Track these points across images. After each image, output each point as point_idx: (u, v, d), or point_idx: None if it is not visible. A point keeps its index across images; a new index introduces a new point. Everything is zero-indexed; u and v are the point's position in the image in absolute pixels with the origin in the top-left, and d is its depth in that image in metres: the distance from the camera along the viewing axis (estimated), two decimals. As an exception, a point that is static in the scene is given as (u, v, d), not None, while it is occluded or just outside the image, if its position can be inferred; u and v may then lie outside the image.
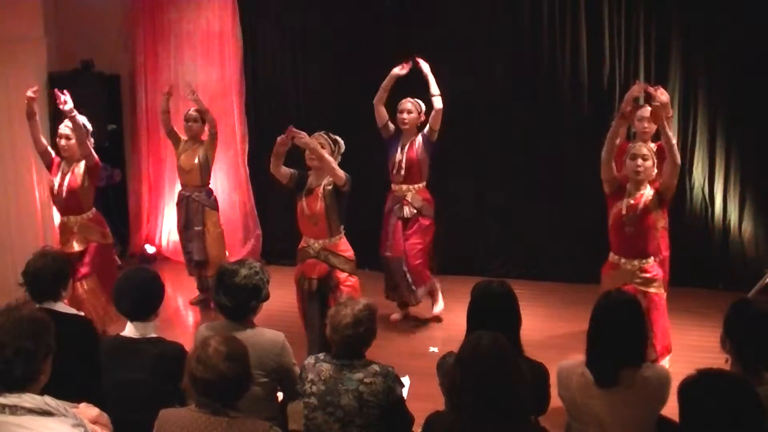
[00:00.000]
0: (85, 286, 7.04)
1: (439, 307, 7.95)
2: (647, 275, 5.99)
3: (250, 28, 9.64)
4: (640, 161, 5.89)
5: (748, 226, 8.52)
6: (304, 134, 6.17)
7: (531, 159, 9.02)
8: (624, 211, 5.94)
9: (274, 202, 9.76)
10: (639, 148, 5.96)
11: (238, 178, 9.82)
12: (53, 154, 7.18)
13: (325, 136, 6.43)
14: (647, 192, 5.94)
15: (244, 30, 9.59)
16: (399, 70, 7.51)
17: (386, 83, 7.55)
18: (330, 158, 6.24)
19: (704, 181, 8.59)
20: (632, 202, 5.93)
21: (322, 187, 6.36)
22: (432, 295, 7.96)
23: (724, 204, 8.57)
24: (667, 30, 8.49)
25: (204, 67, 9.77)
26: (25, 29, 8.83)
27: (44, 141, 7.19)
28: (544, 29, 8.81)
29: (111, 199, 9.83)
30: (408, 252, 7.61)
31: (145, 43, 9.87)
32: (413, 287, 7.68)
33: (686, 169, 8.58)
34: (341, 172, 6.26)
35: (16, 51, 8.64)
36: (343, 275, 6.45)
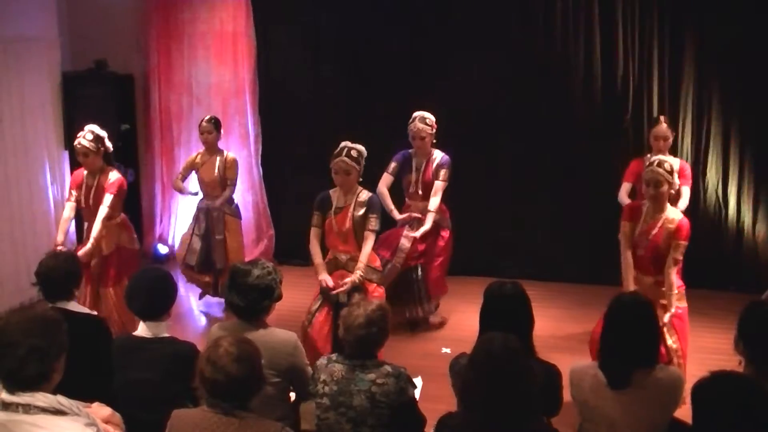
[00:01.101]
0: (116, 291, 7.02)
1: (437, 318, 7.99)
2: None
3: (263, 28, 9.64)
4: (652, 189, 5.75)
5: (761, 228, 8.49)
6: (343, 287, 6.20)
7: (543, 160, 9.00)
8: (638, 235, 5.86)
9: (287, 203, 9.79)
10: (653, 174, 5.75)
11: (251, 179, 9.83)
12: (74, 195, 7.08)
13: (348, 160, 6.23)
14: (667, 215, 5.83)
15: (257, 30, 9.60)
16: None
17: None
18: (365, 260, 6.27)
19: (718, 183, 8.56)
20: (647, 227, 5.84)
21: (352, 206, 6.33)
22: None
23: (738, 206, 8.54)
24: (681, 30, 8.47)
25: (217, 67, 9.78)
26: (39, 30, 8.86)
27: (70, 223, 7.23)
28: (557, 30, 8.79)
29: (124, 198, 9.85)
30: (431, 264, 7.64)
31: (158, 43, 9.89)
32: (425, 299, 7.71)
33: (700, 171, 8.56)
34: (373, 239, 6.33)
35: (30, 51, 8.67)
36: (371, 286, 6.40)
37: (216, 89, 9.81)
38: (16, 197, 8.45)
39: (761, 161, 8.41)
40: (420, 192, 7.54)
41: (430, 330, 7.84)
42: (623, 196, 7.13)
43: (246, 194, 9.85)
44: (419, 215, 7.52)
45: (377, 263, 6.59)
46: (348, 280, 6.23)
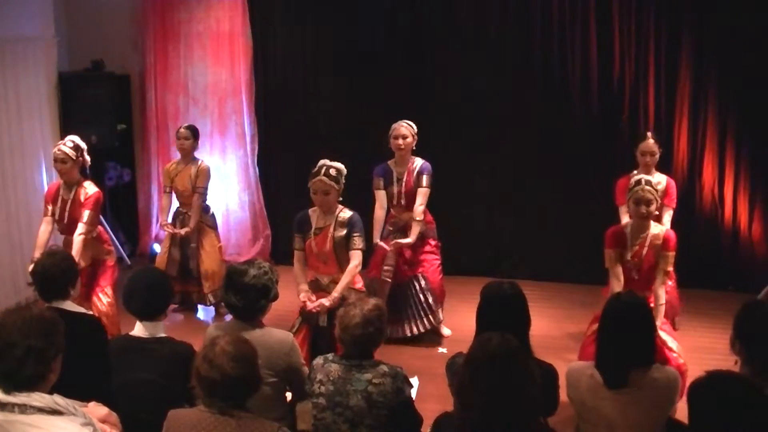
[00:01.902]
0: (104, 301, 7.00)
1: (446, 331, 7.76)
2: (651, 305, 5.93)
3: (259, 28, 9.64)
4: (643, 208, 5.73)
5: (758, 227, 8.49)
6: (322, 305, 5.92)
7: (541, 160, 9.01)
8: (630, 257, 5.85)
9: (283, 203, 9.78)
10: (642, 192, 5.73)
11: (247, 179, 9.83)
12: (50, 210, 6.95)
13: (327, 180, 5.92)
14: (652, 231, 5.84)
15: (254, 30, 9.59)
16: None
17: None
18: (347, 282, 5.99)
19: (714, 183, 8.57)
20: (636, 248, 5.86)
21: (332, 227, 6.05)
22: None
23: (734, 205, 8.55)
24: (677, 30, 8.48)
25: (214, 67, 9.78)
26: (35, 29, 8.84)
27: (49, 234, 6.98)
28: (554, 30, 8.80)
29: (120, 199, 9.85)
30: (428, 269, 7.44)
31: (155, 44, 9.88)
32: (434, 306, 7.46)
33: (696, 171, 8.58)
34: (358, 264, 6.06)
35: (27, 51, 8.66)
36: None
37: (212, 89, 9.80)
38: (13, 197, 8.43)
39: (757, 161, 8.43)
40: (404, 203, 7.35)
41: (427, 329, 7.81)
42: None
43: (242, 194, 9.86)
44: (402, 241, 7.30)
45: (359, 285, 6.28)
46: (321, 301, 5.92)
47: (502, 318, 4.04)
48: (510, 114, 9.05)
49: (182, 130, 8.16)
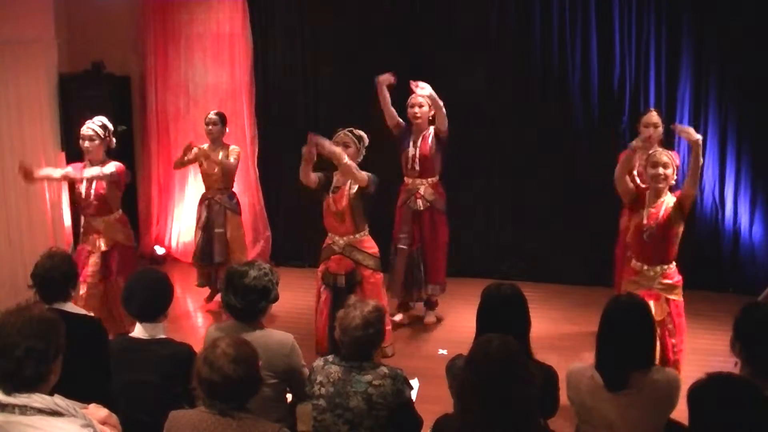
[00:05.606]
0: (108, 289, 7.08)
1: (431, 318, 7.99)
2: (669, 281, 5.95)
3: (260, 30, 9.64)
4: (661, 170, 5.83)
5: (758, 230, 8.48)
6: (326, 141, 6.24)
7: (540, 160, 9.01)
8: (645, 221, 5.90)
9: (283, 204, 9.79)
10: (659, 155, 5.87)
11: (247, 180, 9.82)
12: (72, 175, 7.19)
13: (350, 135, 6.48)
14: (668, 199, 5.90)
15: (254, 32, 9.60)
16: (384, 80, 7.47)
17: (384, 102, 7.56)
18: (351, 163, 6.29)
19: (714, 185, 8.56)
20: (653, 211, 5.89)
21: (348, 185, 6.46)
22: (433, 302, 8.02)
23: (735, 207, 8.54)
24: (678, 31, 8.46)
25: (214, 68, 9.79)
26: (36, 31, 8.86)
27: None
28: (554, 29, 8.80)
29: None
30: (430, 247, 7.66)
31: (155, 45, 9.89)
32: (427, 281, 7.71)
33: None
34: (363, 175, 6.33)
35: (27, 52, 8.67)
36: (367, 272, 6.51)
37: (213, 91, 9.80)
38: (13, 198, 8.44)
39: (757, 163, 8.41)
40: (417, 168, 7.55)
41: (427, 330, 7.83)
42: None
43: (242, 196, 9.82)
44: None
45: (374, 250, 6.64)
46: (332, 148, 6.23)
47: (503, 320, 4.04)
48: (510, 114, 9.05)
49: (211, 116, 8.22)
